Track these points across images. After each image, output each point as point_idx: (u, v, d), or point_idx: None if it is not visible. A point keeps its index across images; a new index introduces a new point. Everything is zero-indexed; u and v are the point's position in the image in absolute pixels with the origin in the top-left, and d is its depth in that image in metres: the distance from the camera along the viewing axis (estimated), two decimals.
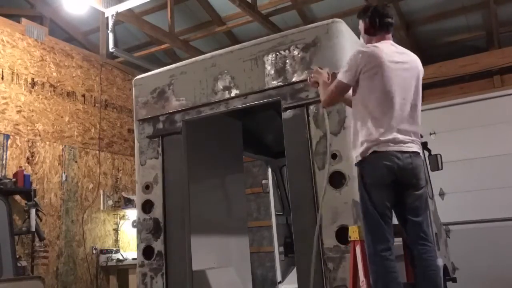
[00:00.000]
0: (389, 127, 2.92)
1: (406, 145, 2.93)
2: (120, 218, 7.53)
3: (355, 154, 3.03)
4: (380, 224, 2.87)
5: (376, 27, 3.11)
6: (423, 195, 3.00)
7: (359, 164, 2.99)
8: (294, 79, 3.62)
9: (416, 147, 2.99)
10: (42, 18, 7.91)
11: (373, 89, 2.95)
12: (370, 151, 2.91)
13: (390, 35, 3.15)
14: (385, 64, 2.94)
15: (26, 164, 6.27)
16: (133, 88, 4.47)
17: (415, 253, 2.94)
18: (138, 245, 4.12)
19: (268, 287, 7.93)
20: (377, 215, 2.88)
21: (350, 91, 3.12)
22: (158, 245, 3.98)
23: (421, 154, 3.05)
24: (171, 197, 4.03)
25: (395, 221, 3.05)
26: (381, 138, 2.90)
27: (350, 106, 3.18)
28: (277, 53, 3.71)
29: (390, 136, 2.90)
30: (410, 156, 2.93)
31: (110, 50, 6.75)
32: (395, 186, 2.92)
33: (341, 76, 3.05)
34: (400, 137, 2.92)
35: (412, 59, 3.12)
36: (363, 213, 2.95)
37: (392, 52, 3.03)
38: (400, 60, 3.03)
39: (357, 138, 3.00)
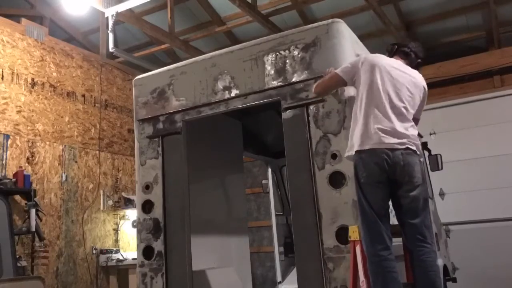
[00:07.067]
0: (379, 125, 2.98)
1: (397, 142, 2.95)
2: (120, 218, 7.53)
3: (348, 152, 3.11)
4: (377, 224, 2.88)
5: (396, 50, 3.41)
6: (420, 196, 2.99)
7: (352, 159, 3.06)
8: (294, 79, 3.61)
9: (409, 145, 3.00)
10: (42, 18, 7.91)
11: (366, 85, 3.09)
12: (360, 148, 2.98)
13: (405, 62, 3.35)
14: (381, 66, 3.13)
15: (26, 164, 6.27)
16: (133, 88, 4.47)
17: (414, 254, 2.94)
18: (138, 245, 4.12)
19: (268, 287, 7.93)
20: (374, 214, 2.89)
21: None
22: (158, 245, 3.98)
23: (417, 152, 3.05)
24: (171, 197, 4.03)
25: (394, 221, 3.06)
26: (369, 134, 2.97)
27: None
28: (277, 53, 3.71)
29: (377, 132, 2.96)
30: (401, 154, 2.95)
31: (110, 50, 6.74)
32: (390, 184, 2.93)
33: (339, 70, 3.26)
34: (390, 134, 2.96)
35: (415, 74, 3.28)
36: (360, 213, 2.97)
37: (394, 62, 3.24)
38: (399, 68, 3.20)
39: (352, 136, 3.10)
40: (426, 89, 3.33)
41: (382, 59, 3.21)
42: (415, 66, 3.37)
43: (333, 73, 3.25)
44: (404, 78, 3.16)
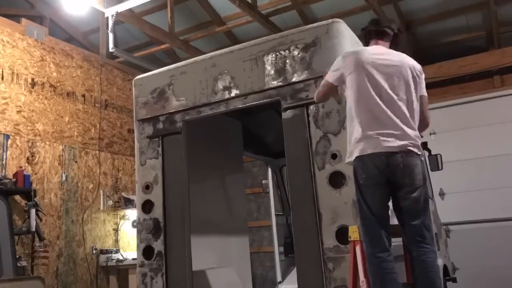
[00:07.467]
0: (377, 130, 2.93)
1: (397, 145, 2.91)
2: (120, 218, 7.53)
3: (348, 158, 3.07)
4: (376, 226, 2.87)
5: (368, 33, 3.30)
6: (420, 198, 2.94)
7: (351, 164, 3.03)
8: (294, 79, 3.61)
9: (410, 146, 2.94)
10: (42, 18, 7.91)
11: (356, 87, 3.03)
12: (360, 153, 2.94)
13: (384, 42, 3.26)
14: (365, 61, 3.05)
15: (26, 164, 6.27)
16: (133, 88, 4.47)
17: (413, 255, 2.93)
18: (138, 245, 4.12)
19: (268, 287, 7.93)
20: (373, 217, 2.88)
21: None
22: (158, 245, 3.98)
23: (418, 152, 2.98)
24: (171, 197, 4.03)
25: (394, 221, 3.05)
26: (368, 138, 2.93)
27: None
28: (277, 53, 3.71)
29: (376, 136, 2.92)
30: (401, 156, 2.90)
31: (110, 50, 6.74)
32: (389, 186, 2.92)
33: (327, 76, 3.22)
34: (388, 135, 2.91)
35: (401, 58, 3.16)
36: (360, 214, 2.97)
37: (377, 53, 3.13)
38: (382, 56, 3.10)
39: (350, 141, 3.06)
40: (416, 66, 3.17)
41: (363, 53, 3.11)
42: (394, 39, 3.27)
43: (324, 81, 3.24)
44: (390, 67, 3.05)
